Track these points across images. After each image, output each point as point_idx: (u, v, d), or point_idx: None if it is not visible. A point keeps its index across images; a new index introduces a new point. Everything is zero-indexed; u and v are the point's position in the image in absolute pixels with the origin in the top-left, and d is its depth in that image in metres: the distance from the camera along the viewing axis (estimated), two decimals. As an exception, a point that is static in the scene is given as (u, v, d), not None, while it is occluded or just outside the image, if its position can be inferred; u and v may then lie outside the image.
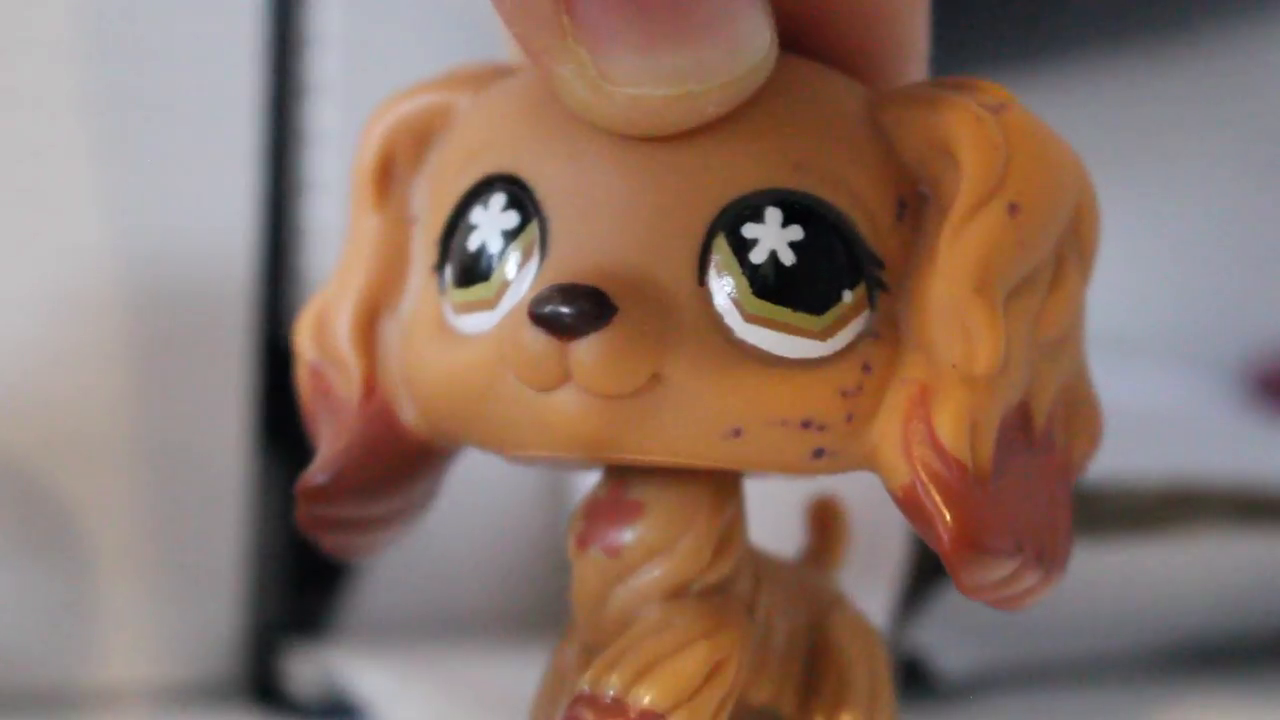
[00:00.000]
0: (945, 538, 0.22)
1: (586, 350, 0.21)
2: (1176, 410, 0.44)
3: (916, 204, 0.23)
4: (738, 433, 0.22)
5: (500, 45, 0.26)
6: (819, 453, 0.22)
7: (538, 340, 0.21)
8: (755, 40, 0.21)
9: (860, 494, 0.28)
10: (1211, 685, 0.37)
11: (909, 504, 0.22)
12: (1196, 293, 0.52)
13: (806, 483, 0.27)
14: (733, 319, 0.22)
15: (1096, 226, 0.24)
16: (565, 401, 0.22)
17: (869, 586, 0.32)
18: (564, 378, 0.22)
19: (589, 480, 0.25)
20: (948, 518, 0.22)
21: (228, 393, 0.35)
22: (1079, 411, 0.24)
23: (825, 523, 0.27)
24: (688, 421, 0.22)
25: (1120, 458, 0.35)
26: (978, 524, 0.22)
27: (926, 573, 0.35)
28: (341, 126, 0.35)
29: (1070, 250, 0.23)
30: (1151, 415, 0.41)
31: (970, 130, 0.22)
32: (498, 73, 0.25)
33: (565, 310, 0.21)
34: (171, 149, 0.34)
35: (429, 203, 0.24)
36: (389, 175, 0.25)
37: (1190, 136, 0.52)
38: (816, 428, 0.22)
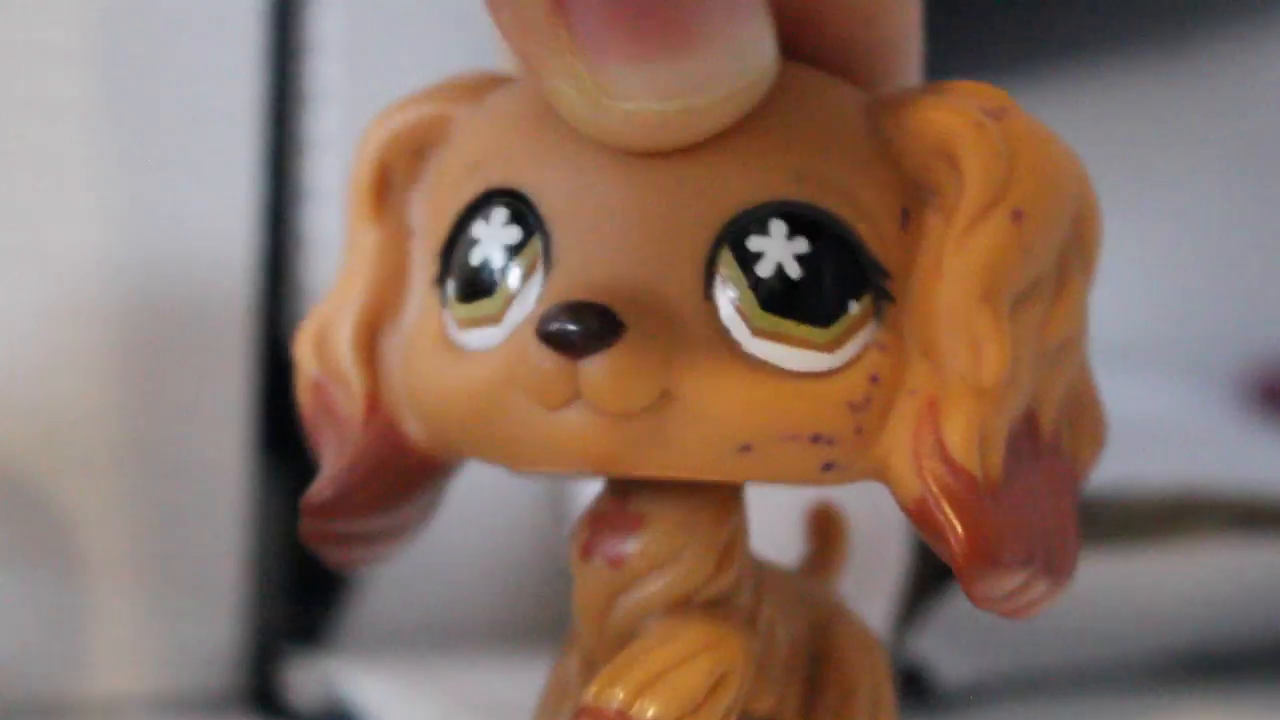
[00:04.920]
0: (957, 551, 0.21)
1: (596, 369, 0.21)
2: (1178, 419, 0.44)
3: (919, 212, 0.22)
4: (747, 448, 0.22)
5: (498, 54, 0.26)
6: (828, 466, 0.22)
7: (546, 359, 0.21)
8: (756, 53, 0.21)
9: (860, 502, 0.28)
10: (1212, 694, 0.37)
11: (920, 517, 0.22)
12: (1197, 302, 0.52)
13: (808, 491, 0.27)
14: (740, 333, 0.22)
15: (1099, 230, 0.24)
16: (574, 420, 0.22)
17: (869, 595, 0.32)
18: (573, 396, 0.21)
19: (589, 491, 0.25)
20: (959, 530, 0.21)
21: (227, 401, 0.35)
22: (1083, 416, 0.24)
23: (825, 530, 0.27)
24: (697, 438, 0.22)
25: (1121, 467, 0.35)
26: (990, 536, 0.22)
27: (926, 581, 0.35)
28: (342, 134, 0.35)
29: (1073, 255, 0.23)
30: (1153, 424, 0.41)
31: (972, 136, 0.22)
32: (493, 83, 0.24)
33: (573, 328, 0.21)
34: (172, 156, 0.34)
35: (428, 215, 0.24)
36: (386, 187, 0.24)
37: (1191, 145, 0.52)
38: (826, 441, 0.22)
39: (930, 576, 0.35)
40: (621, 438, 0.22)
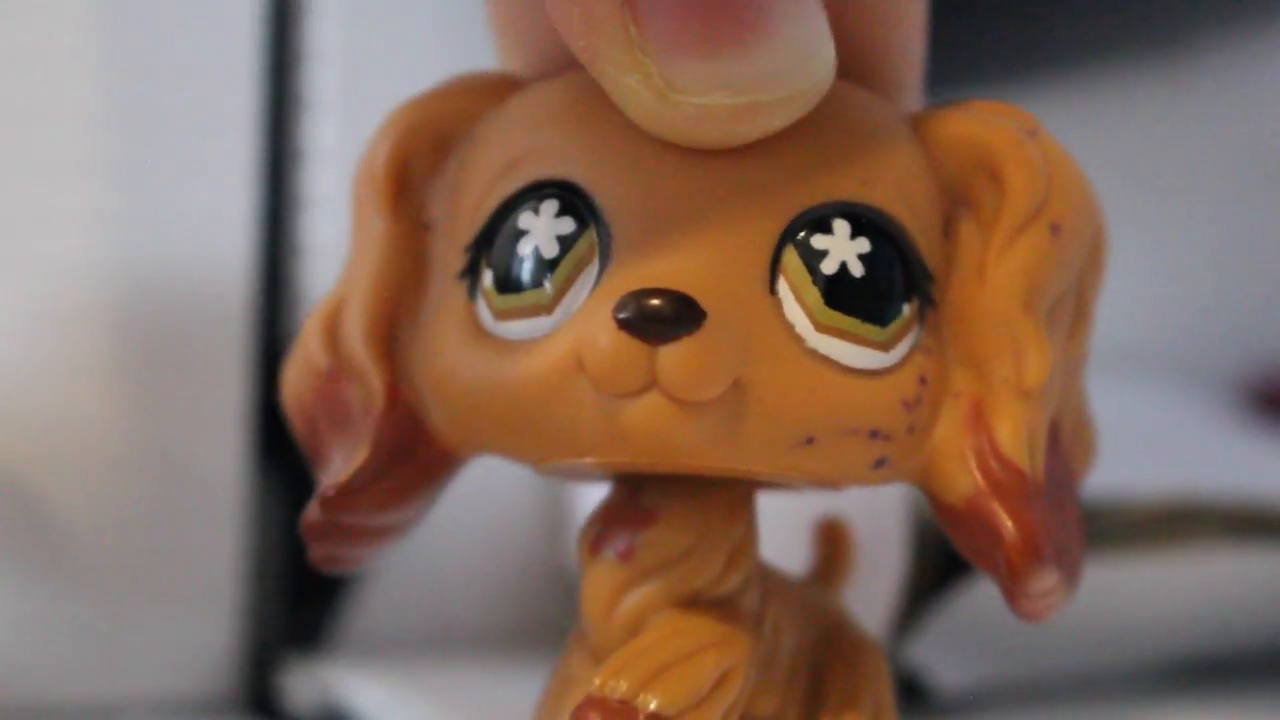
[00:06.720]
0: (1010, 547, 0.22)
1: (675, 355, 0.21)
2: (1176, 426, 0.44)
3: (956, 222, 0.23)
4: (810, 441, 0.22)
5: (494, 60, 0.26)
6: (879, 463, 0.23)
7: (625, 345, 0.21)
8: (820, 51, 0.22)
9: (860, 511, 0.28)
10: (1209, 701, 0.37)
11: (968, 516, 0.23)
12: (1196, 308, 0.52)
13: (815, 502, 0.27)
14: (804, 328, 0.22)
15: (1107, 249, 0.24)
16: (644, 408, 0.21)
17: (867, 602, 0.32)
18: (649, 384, 0.21)
19: (590, 495, 0.25)
20: (1011, 526, 0.22)
21: (226, 408, 0.35)
22: (1080, 424, 0.25)
23: (832, 542, 0.28)
24: (764, 429, 0.22)
25: (1119, 473, 0.35)
26: (1038, 532, 0.22)
27: (924, 589, 0.35)
28: (339, 143, 0.35)
29: (1089, 273, 0.24)
30: (1151, 431, 0.41)
31: (1015, 153, 0.23)
32: (512, 83, 0.24)
33: (654, 314, 0.21)
34: (170, 165, 0.34)
35: (452, 209, 0.24)
36: (405, 180, 0.24)
37: (1192, 151, 0.52)
38: (882, 438, 0.22)
39: (928, 584, 0.35)
40: (691, 427, 0.22)
